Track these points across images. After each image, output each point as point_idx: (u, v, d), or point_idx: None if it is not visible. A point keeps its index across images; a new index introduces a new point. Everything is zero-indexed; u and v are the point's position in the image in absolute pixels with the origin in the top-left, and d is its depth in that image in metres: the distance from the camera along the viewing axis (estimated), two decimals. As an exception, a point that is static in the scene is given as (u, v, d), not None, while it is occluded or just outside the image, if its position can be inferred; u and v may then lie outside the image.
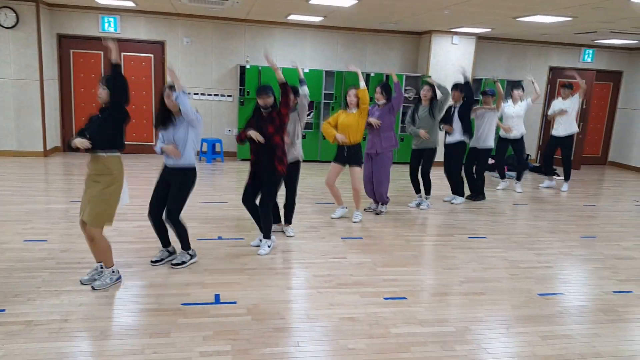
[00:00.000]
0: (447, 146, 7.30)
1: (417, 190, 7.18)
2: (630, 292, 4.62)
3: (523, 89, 8.38)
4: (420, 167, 7.02)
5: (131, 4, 8.62)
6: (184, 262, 4.58)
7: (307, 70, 9.72)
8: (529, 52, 11.08)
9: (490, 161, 9.69)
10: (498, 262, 5.19)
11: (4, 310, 3.59)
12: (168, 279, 4.30)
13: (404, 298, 4.20)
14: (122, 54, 9.57)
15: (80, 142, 3.78)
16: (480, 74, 10.73)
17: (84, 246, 4.19)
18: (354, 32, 10.31)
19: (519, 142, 8.36)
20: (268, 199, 4.96)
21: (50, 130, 9.29)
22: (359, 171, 6.17)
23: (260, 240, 5.15)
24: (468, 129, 7.14)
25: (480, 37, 10.35)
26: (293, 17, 9.02)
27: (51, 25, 9.14)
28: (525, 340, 3.62)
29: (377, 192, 6.53)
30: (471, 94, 7.08)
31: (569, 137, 8.56)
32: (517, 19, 7.71)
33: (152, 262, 4.58)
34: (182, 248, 4.63)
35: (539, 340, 3.62)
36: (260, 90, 4.79)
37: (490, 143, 7.63)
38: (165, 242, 4.68)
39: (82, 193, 4.05)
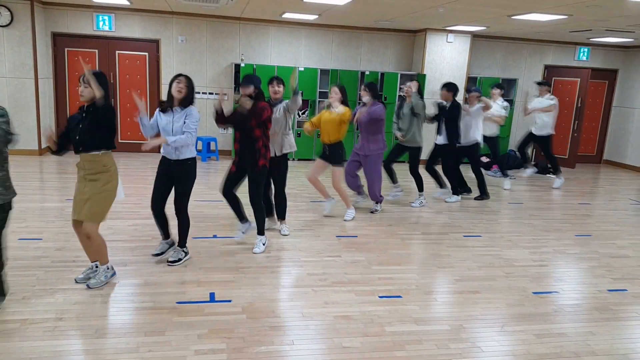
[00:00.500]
0: (436, 146, 7.35)
1: (393, 180, 7.18)
2: (625, 290, 4.64)
3: (503, 88, 8.48)
4: (393, 161, 7.06)
5: (126, 2, 8.58)
6: (180, 259, 4.58)
7: (301, 69, 9.73)
8: (524, 50, 11.10)
9: (485, 159, 9.73)
10: (493, 261, 5.20)
11: (-2, 309, 3.58)
12: (163, 278, 4.29)
13: (399, 296, 4.21)
14: (117, 52, 9.56)
15: (47, 139, 3.93)
16: (475, 72, 10.75)
17: (79, 244, 4.17)
18: (349, 30, 10.31)
19: (492, 141, 8.54)
20: (255, 197, 4.97)
21: (45, 128, 9.23)
22: (339, 171, 6.17)
23: (243, 233, 5.21)
24: (454, 134, 7.10)
25: (475, 35, 10.35)
26: (288, 15, 9.01)
27: (46, 24, 9.10)
28: (520, 339, 3.63)
29: (370, 191, 6.55)
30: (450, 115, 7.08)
31: (543, 138, 8.79)
32: (512, 17, 7.72)
33: (153, 254, 4.61)
34: (179, 244, 4.64)
35: (534, 339, 3.63)
36: (242, 81, 4.81)
37: (476, 137, 7.54)
38: (165, 234, 4.70)
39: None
